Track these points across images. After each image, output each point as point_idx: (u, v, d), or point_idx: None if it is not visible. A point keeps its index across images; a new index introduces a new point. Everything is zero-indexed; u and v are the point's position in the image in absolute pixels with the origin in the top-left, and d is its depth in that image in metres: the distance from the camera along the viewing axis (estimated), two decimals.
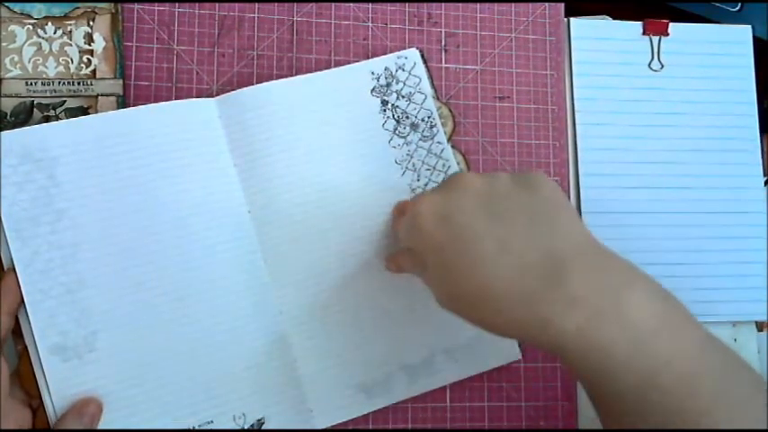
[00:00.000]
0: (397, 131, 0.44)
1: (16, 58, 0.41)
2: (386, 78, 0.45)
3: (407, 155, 0.44)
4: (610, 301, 0.31)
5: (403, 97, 0.45)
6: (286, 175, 0.42)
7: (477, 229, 0.34)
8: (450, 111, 0.47)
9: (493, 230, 0.33)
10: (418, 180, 0.44)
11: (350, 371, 0.42)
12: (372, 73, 0.45)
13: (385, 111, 0.44)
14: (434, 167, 0.45)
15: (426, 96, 0.45)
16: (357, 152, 0.43)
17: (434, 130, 0.45)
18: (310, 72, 0.44)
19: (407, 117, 0.45)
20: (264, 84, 0.42)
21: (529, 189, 0.35)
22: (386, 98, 0.44)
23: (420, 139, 0.45)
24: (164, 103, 0.41)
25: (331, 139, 0.43)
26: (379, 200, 0.43)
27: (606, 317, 0.31)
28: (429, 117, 0.45)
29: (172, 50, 0.44)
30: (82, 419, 0.37)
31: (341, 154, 0.43)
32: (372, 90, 0.44)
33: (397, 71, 0.45)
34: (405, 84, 0.45)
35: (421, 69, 0.46)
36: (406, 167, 0.44)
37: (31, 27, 0.42)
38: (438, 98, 0.46)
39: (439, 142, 0.45)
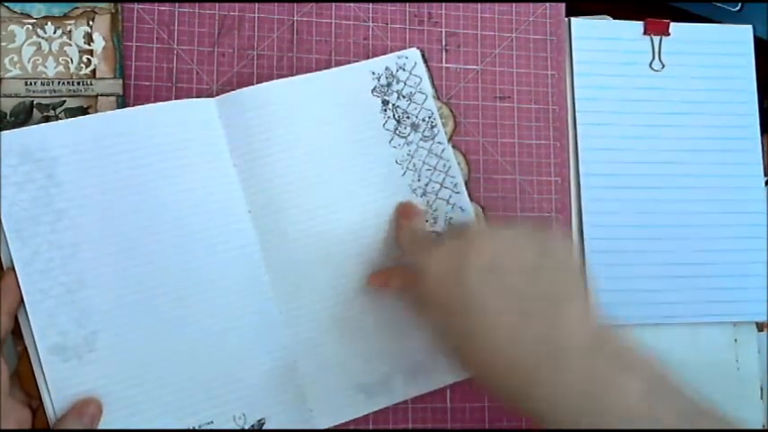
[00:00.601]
0: (397, 131, 0.44)
1: (16, 58, 0.41)
2: (386, 78, 0.45)
3: (408, 155, 0.44)
4: (600, 390, 0.32)
5: (404, 97, 0.45)
6: (286, 175, 0.42)
7: (484, 305, 0.34)
8: (451, 110, 0.47)
9: (499, 307, 0.33)
10: (419, 180, 0.44)
11: (350, 371, 0.42)
12: (373, 73, 0.44)
13: (386, 111, 0.44)
14: (435, 167, 0.45)
15: (427, 96, 0.45)
16: (357, 152, 0.43)
17: (435, 130, 0.45)
18: (310, 72, 0.44)
19: (408, 117, 0.45)
20: (264, 84, 0.42)
21: (546, 270, 0.34)
22: (386, 98, 0.44)
23: (421, 140, 0.45)
24: (163, 103, 0.41)
25: (331, 139, 0.43)
26: (380, 200, 0.43)
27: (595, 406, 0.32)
28: (430, 117, 0.45)
29: (172, 50, 0.44)
30: (82, 420, 0.37)
31: (341, 154, 0.43)
32: (373, 90, 0.44)
33: (397, 71, 0.45)
34: (405, 84, 0.45)
35: (422, 69, 0.45)
36: (407, 167, 0.44)
37: (30, 27, 0.42)
38: (438, 98, 0.46)
39: (440, 142, 0.45)
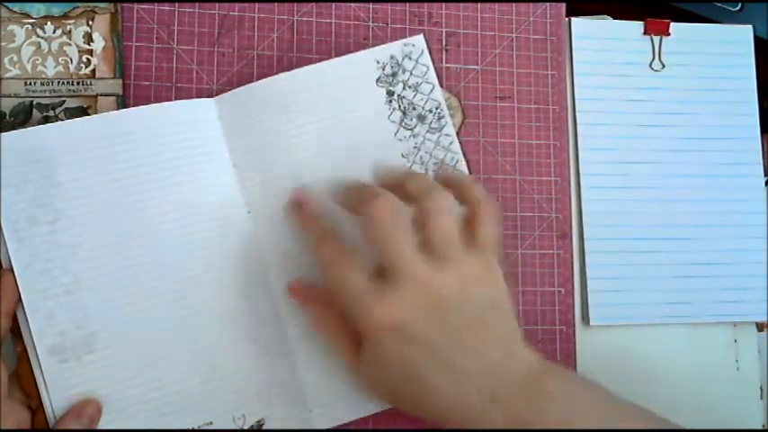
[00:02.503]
0: (403, 123, 0.43)
1: (15, 58, 0.41)
2: (392, 68, 0.43)
3: (414, 148, 0.43)
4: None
5: (410, 87, 0.43)
6: (286, 175, 0.41)
7: (428, 348, 0.35)
8: (460, 102, 0.46)
9: (439, 346, 0.35)
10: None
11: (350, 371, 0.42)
12: (378, 62, 0.43)
13: (391, 102, 0.43)
14: (443, 161, 0.43)
15: (434, 86, 0.44)
16: (362, 146, 0.42)
17: (443, 121, 0.43)
18: None
19: (414, 108, 0.43)
20: (264, 80, 0.41)
21: (480, 308, 0.36)
22: (392, 88, 0.43)
23: (428, 131, 0.43)
24: (163, 103, 0.41)
25: (334, 135, 0.42)
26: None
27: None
28: (437, 108, 0.44)
29: (172, 50, 0.44)
30: (81, 420, 0.37)
31: (345, 148, 0.42)
32: (378, 80, 0.43)
33: (403, 60, 0.43)
34: (411, 73, 0.43)
35: (427, 58, 0.44)
36: (413, 161, 0.43)
37: (30, 27, 0.41)
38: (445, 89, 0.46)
39: (447, 134, 0.44)
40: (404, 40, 0.43)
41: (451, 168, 0.43)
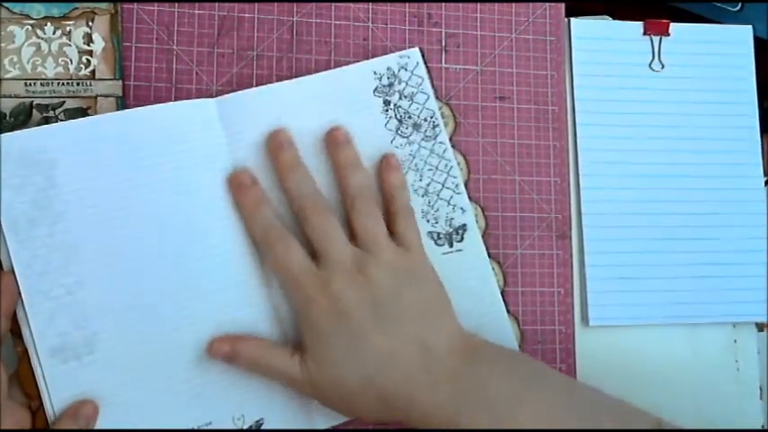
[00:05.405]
0: (399, 132, 0.44)
1: (15, 59, 0.41)
2: (388, 78, 0.44)
3: (410, 155, 0.44)
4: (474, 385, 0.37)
5: (405, 97, 0.45)
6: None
7: (368, 331, 0.38)
8: (452, 110, 0.47)
9: (381, 328, 0.38)
10: (420, 180, 0.44)
11: None
12: (375, 73, 0.44)
13: (387, 111, 0.44)
14: (437, 168, 0.45)
15: (429, 96, 0.45)
16: (359, 152, 0.43)
17: (437, 129, 0.45)
18: (310, 73, 0.44)
19: (410, 117, 0.45)
20: (265, 86, 0.42)
21: (413, 287, 0.40)
22: (388, 98, 0.44)
23: (422, 140, 0.45)
24: (163, 103, 0.41)
25: None
26: (381, 201, 0.43)
27: (468, 396, 0.37)
28: (431, 117, 0.45)
29: (171, 51, 0.44)
30: (77, 421, 0.37)
31: None
32: (375, 90, 0.44)
33: (399, 71, 0.45)
34: (407, 84, 0.45)
35: (423, 69, 0.45)
36: (409, 167, 0.44)
37: (30, 27, 0.42)
38: (438, 98, 0.46)
39: (441, 142, 0.45)
40: (400, 53, 0.45)
41: (445, 175, 0.45)
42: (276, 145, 0.41)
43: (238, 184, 0.40)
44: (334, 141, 0.42)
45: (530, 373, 0.39)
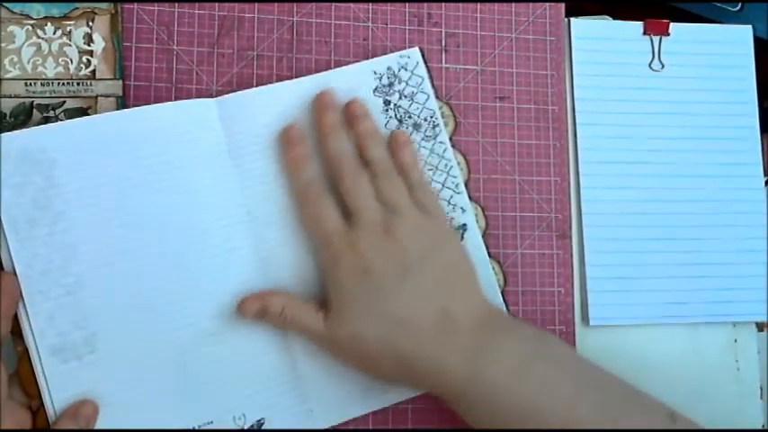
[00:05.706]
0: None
1: (15, 59, 0.41)
2: (388, 78, 0.45)
3: None
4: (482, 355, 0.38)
5: (405, 97, 0.45)
6: (286, 176, 0.42)
7: (392, 290, 0.38)
8: (452, 110, 0.47)
9: (405, 289, 0.39)
10: None
11: (350, 371, 0.42)
12: (375, 72, 0.44)
13: (387, 111, 0.44)
14: (437, 167, 0.45)
15: (429, 96, 0.45)
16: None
17: (437, 129, 0.45)
18: (310, 73, 0.44)
19: (410, 117, 0.45)
20: (266, 86, 0.42)
21: (438, 253, 0.40)
22: (388, 98, 0.44)
23: (423, 139, 0.45)
24: (163, 103, 0.41)
25: None
26: None
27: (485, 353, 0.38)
28: (431, 117, 0.45)
29: (171, 51, 0.44)
30: (77, 421, 0.37)
31: None
32: (375, 90, 0.44)
33: (399, 71, 0.45)
34: (407, 83, 0.45)
35: (423, 69, 0.45)
36: None
37: (30, 27, 0.42)
38: (438, 98, 0.46)
39: (441, 142, 0.45)
40: (400, 53, 0.45)
41: (445, 174, 0.45)
42: (322, 106, 0.42)
43: (289, 139, 0.41)
44: (352, 114, 0.42)
45: (556, 351, 0.40)
